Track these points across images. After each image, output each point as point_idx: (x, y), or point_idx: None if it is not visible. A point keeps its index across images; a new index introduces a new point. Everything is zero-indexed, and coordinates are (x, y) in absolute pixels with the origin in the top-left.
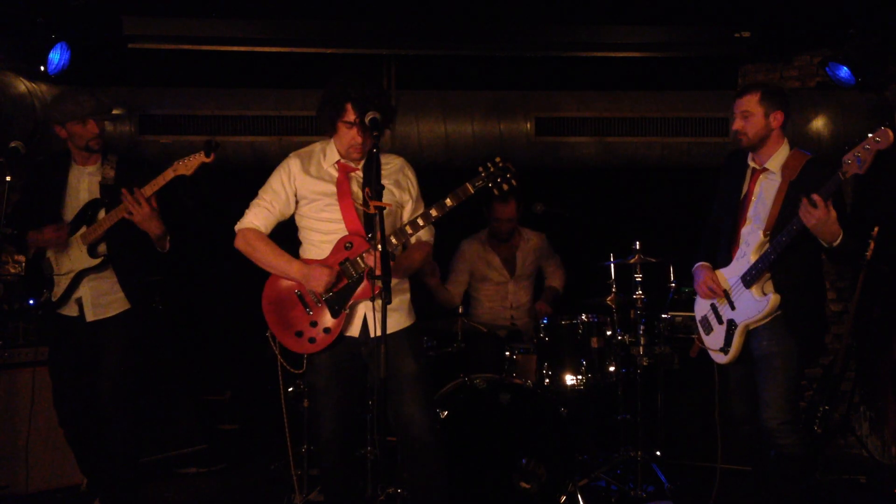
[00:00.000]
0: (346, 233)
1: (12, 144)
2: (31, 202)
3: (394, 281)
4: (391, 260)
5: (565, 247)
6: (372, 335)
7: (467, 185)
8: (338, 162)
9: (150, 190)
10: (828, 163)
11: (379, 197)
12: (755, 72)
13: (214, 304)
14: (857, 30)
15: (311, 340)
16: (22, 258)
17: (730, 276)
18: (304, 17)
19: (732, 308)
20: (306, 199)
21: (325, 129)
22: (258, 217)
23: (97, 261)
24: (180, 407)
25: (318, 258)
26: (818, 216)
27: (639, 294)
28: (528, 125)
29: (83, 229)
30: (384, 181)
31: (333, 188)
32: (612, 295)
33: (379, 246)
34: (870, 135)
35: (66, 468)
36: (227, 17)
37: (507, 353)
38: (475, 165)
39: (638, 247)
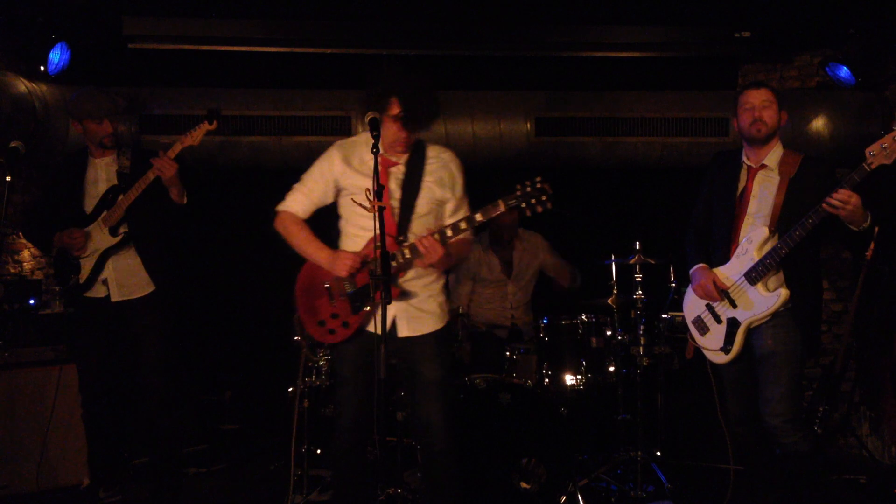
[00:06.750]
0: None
1: (12, 144)
2: (53, 202)
3: (430, 280)
4: (444, 246)
5: (565, 247)
6: (399, 335)
7: (500, 202)
8: (380, 156)
9: (172, 153)
10: (822, 161)
11: (379, 197)
12: (755, 72)
13: (214, 304)
14: (857, 30)
15: (331, 332)
16: (21, 258)
17: (731, 273)
18: (304, 17)
19: (733, 306)
20: (346, 191)
21: (366, 125)
22: (297, 201)
23: (118, 238)
24: (180, 407)
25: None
26: (852, 205)
27: (639, 294)
28: (528, 125)
29: (104, 213)
30: (427, 177)
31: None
32: (613, 295)
33: (379, 247)
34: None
35: (67, 467)
36: (227, 17)
37: (507, 353)
38: (475, 165)
39: (638, 247)
